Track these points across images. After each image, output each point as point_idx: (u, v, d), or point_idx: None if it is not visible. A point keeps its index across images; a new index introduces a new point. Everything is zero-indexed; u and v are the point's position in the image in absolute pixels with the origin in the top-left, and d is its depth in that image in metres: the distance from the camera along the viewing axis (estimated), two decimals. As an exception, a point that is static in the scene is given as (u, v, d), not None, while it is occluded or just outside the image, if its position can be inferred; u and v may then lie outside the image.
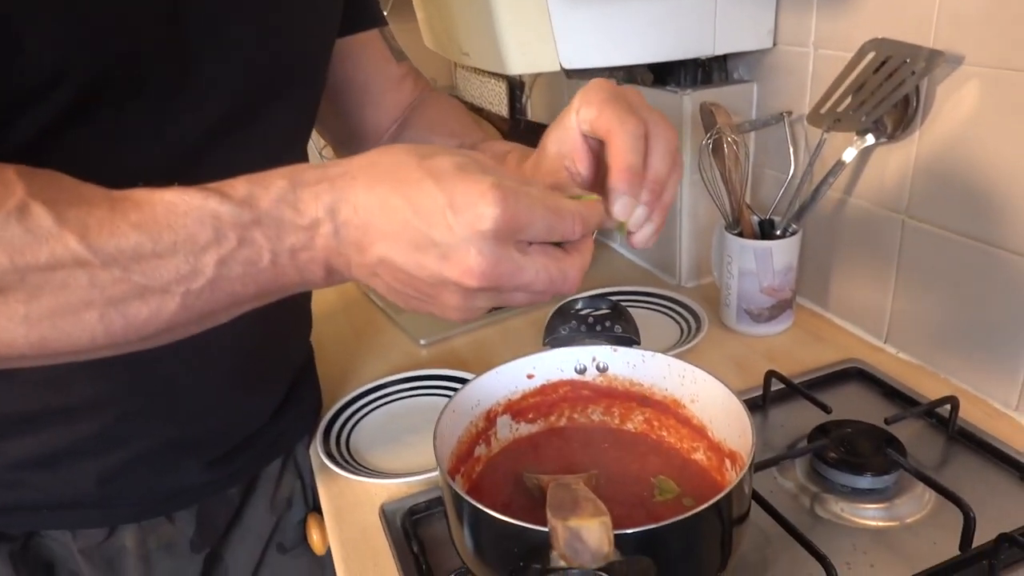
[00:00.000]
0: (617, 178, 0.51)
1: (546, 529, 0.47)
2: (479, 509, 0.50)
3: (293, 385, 0.84)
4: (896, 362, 0.93)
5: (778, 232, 0.97)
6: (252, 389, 0.76)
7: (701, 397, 0.66)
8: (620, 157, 0.51)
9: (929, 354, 0.90)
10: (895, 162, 0.88)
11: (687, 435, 0.68)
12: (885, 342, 0.96)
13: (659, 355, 0.68)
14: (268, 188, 0.44)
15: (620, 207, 0.52)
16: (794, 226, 0.97)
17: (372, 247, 0.44)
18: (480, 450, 0.69)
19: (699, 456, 0.67)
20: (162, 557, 0.75)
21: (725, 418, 0.63)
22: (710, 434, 0.66)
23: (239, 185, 0.45)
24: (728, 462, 0.63)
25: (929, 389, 0.86)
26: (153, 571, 0.74)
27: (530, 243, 0.46)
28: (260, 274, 0.45)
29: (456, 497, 0.53)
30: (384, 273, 0.46)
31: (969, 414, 0.79)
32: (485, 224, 0.42)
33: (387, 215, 0.44)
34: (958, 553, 0.63)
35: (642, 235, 0.54)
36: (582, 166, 0.56)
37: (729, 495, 0.51)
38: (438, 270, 0.43)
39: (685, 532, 0.50)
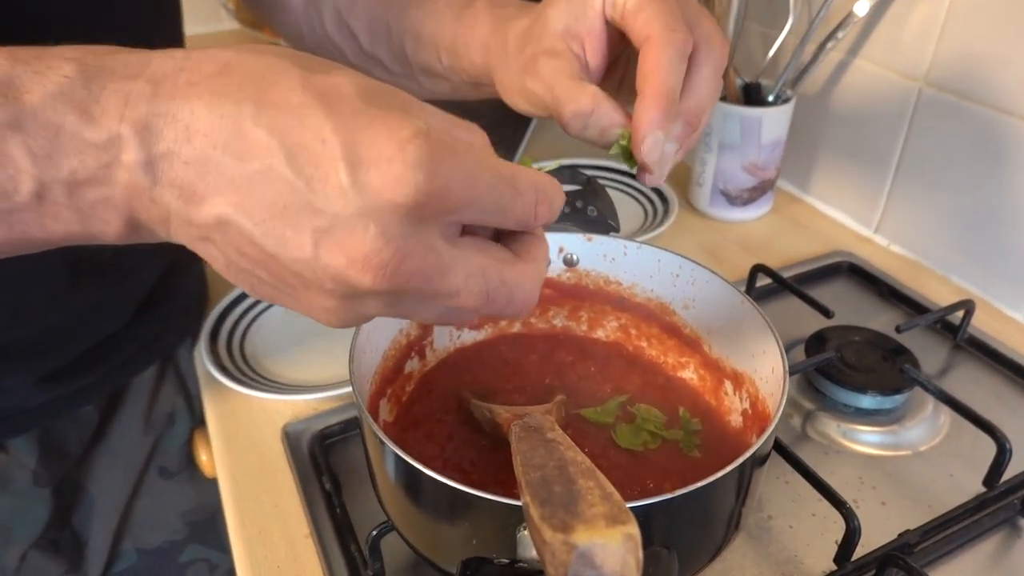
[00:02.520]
0: (651, 105, 0.39)
1: (513, 502, 0.33)
2: (418, 470, 0.35)
3: (167, 272, 0.65)
4: (888, 256, 0.81)
5: (770, 99, 0.82)
6: (101, 277, 0.56)
7: (698, 302, 0.52)
8: (657, 79, 0.39)
9: (927, 248, 0.79)
10: (920, 16, 0.73)
11: (674, 348, 0.54)
12: (875, 232, 0.84)
13: (647, 247, 0.53)
14: (43, 72, 0.28)
15: (650, 145, 0.39)
16: (788, 92, 0.82)
17: (209, 199, 0.28)
18: (412, 365, 0.53)
19: (688, 374, 0.54)
20: (-6, 494, 0.58)
21: (730, 331, 0.49)
22: (706, 348, 0.52)
23: None
24: (730, 385, 0.50)
25: (928, 288, 0.75)
26: (-17, 511, 0.58)
27: (462, 231, 0.31)
28: (15, 213, 0.29)
29: (381, 445, 0.38)
30: (223, 241, 0.29)
31: (976, 319, 0.69)
32: (400, 192, 0.27)
33: (241, 151, 0.28)
34: (983, 489, 0.53)
35: (659, 174, 0.41)
36: (593, 56, 0.44)
37: (754, 454, 0.37)
38: (312, 254, 0.28)
39: (697, 502, 0.36)
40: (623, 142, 0.41)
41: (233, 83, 0.28)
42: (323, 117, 0.27)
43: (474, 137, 0.31)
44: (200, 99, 0.28)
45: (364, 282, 0.28)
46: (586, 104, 0.41)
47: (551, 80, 0.42)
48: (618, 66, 0.47)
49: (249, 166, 0.27)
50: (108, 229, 0.31)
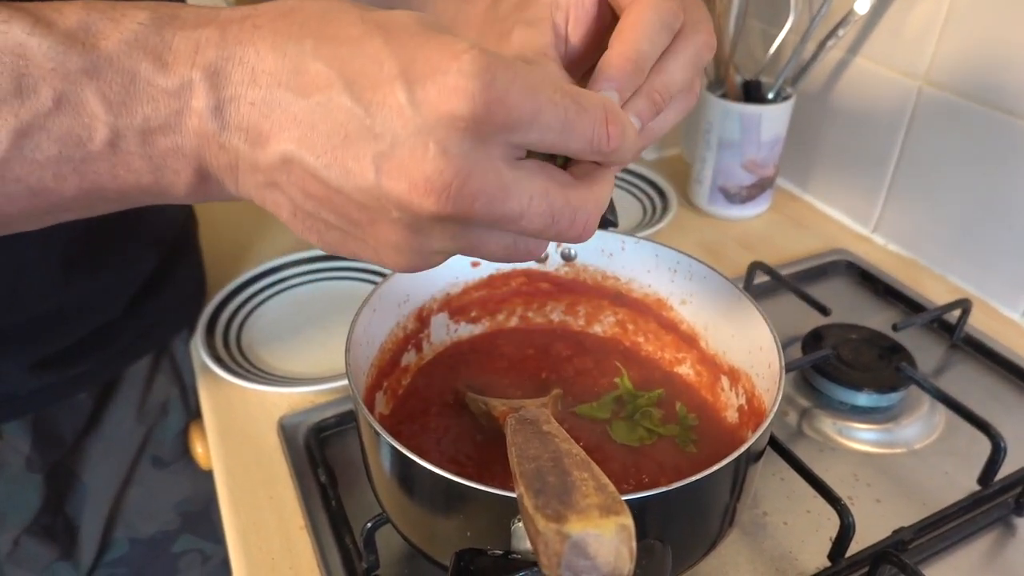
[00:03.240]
0: (613, 63, 0.34)
1: (508, 494, 0.33)
2: (413, 462, 0.35)
3: (164, 262, 0.65)
4: (885, 255, 0.81)
5: (770, 96, 0.81)
6: (95, 266, 0.56)
7: (695, 298, 0.52)
8: (630, 39, 0.34)
9: (924, 247, 0.79)
10: (921, 15, 0.73)
11: (671, 343, 0.54)
12: (873, 231, 0.84)
13: (645, 242, 0.53)
14: (118, 20, 0.29)
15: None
16: (788, 89, 0.82)
17: (274, 137, 0.28)
18: (408, 358, 0.53)
19: (684, 370, 0.54)
20: (-14, 479, 0.58)
21: (727, 327, 0.49)
22: (702, 344, 0.52)
23: (70, 9, 0.29)
24: (726, 381, 0.50)
25: (925, 287, 0.76)
26: (-26, 497, 0.58)
27: (526, 155, 0.29)
28: (88, 162, 0.29)
29: (377, 437, 0.38)
30: (288, 183, 0.29)
31: (972, 318, 0.69)
32: (456, 104, 0.26)
33: (302, 86, 0.28)
34: (978, 488, 0.53)
35: (624, 149, 0.37)
36: (575, 28, 0.39)
37: (749, 449, 0.37)
38: (375, 181, 0.27)
39: (692, 496, 0.36)
40: None
41: (295, 23, 0.29)
42: (381, 43, 0.27)
43: (535, 66, 0.29)
44: (264, 40, 0.28)
45: (427, 206, 0.27)
46: None
47: (519, 50, 0.39)
48: (598, 50, 0.44)
49: (310, 100, 0.27)
50: (178, 180, 0.31)
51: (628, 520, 0.24)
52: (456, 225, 0.28)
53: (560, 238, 0.30)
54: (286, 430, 0.58)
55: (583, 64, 0.41)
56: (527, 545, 0.31)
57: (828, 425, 0.59)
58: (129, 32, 0.29)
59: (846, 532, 0.46)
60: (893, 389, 0.59)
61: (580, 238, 0.31)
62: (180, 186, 0.31)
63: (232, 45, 0.29)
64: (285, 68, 0.28)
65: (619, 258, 0.54)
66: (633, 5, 0.36)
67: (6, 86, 0.28)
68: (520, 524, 0.33)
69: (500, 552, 0.31)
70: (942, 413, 0.60)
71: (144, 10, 0.29)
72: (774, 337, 0.44)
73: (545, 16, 0.40)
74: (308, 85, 0.28)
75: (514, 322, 0.58)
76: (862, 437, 0.59)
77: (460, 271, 0.54)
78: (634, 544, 0.24)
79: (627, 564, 0.23)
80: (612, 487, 0.26)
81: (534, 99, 0.27)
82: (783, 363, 0.42)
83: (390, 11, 0.29)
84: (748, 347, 0.47)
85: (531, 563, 0.29)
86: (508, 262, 0.32)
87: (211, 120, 0.29)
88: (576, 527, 0.23)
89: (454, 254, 0.31)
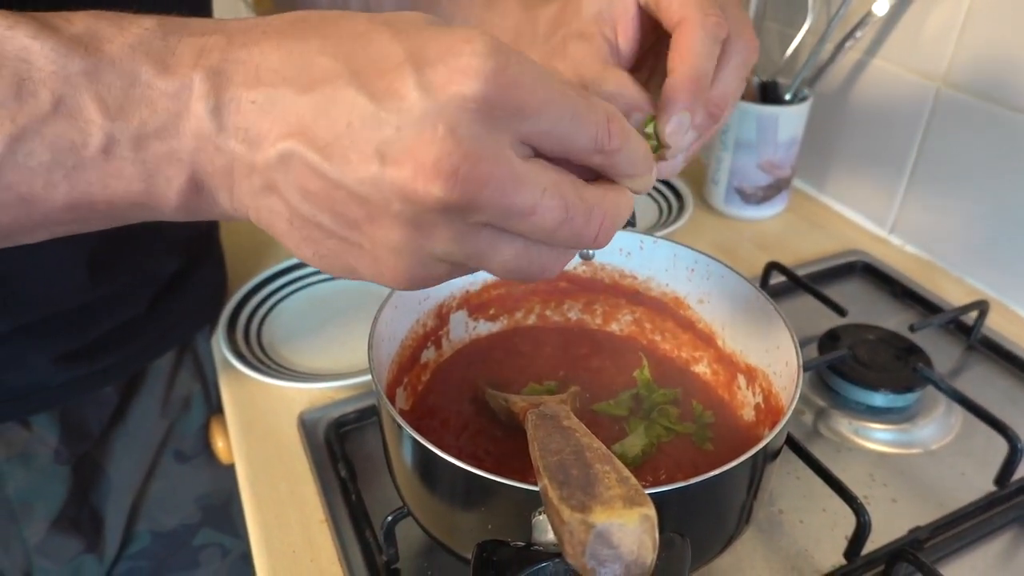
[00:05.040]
0: (680, 87, 0.36)
1: (529, 487, 0.34)
2: (436, 455, 0.36)
3: (187, 263, 0.66)
4: (902, 256, 0.81)
5: (787, 97, 0.82)
6: (120, 267, 0.58)
7: (713, 297, 0.52)
8: (689, 61, 0.37)
9: (942, 248, 0.79)
10: (939, 16, 0.73)
11: (688, 342, 0.55)
12: (890, 232, 0.84)
13: (664, 241, 0.53)
14: (125, 26, 0.29)
15: (675, 126, 0.37)
16: (805, 91, 0.82)
17: (273, 134, 0.27)
18: (428, 355, 0.54)
19: (701, 369, 0.54)
20: (15, 469, 0.59)
21: (745, 325, 0.50)
22: (720, 343, 0.52)
23: (79, 17, 0.29)
24: (743, 379, 0.50)
25: (942, 288, 0.75)
26: (3, 488, 0.59)
27: (535, 153, 0.28)
28: (79, 170, 0.28)
29: (399, 431, 0.39)
30: (286, 183, 0.28)
31: (989, 320, 0.69)
32: (468, 83, 0.25)
33: (305, 82, 0.27)
34: (994, 488, 0.53)
35: (676, 163, 0.39)
36: (625, 40, 0.42)
37: (767, 447, 0.38)
38: (378, 169, 0.26)
39: (709, 492, 0.37)
40: (647, 128, 0.40)
41: (303, 28, 0.29)
42: (389, 37, 0.27)
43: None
44: (270, 41, 0.28)
45: (433, 192, 0.25)
46: (613, 86, 0.38)
47: (580, 63, 0.41)
48: (649, 56, 0.45)
49: (314, 94, 0.26)
50: (170, 190, 0.29)
51: (651, 511, 0.24)
52: (463, 222, 0.27)
53: (576, 239, 0.29)
54: (306, 425, 0.59)
55: (637, 68, 0.43)
56: (548, 537, 0.31)
57: (844, 425, 0.59)
58: (134, 37, 0.28)
59: (862, 530, 0.46)
60: (910, 390, 0.60)
61: (597, 240, 0.29)
62: (171, 196, 0.30)
63: (237, 48, 0.28)
64: (290, 65, 0.27)
65: (637, 257, 0.55)
66: (685, 28, 0.38)
67: (6, 90, 0.27)
68: (541, 516, 0.33)
69: (522, 544, 0.31)
70: (959, 414, 0.60)
71: (151, 18, 0.29)
72: (792, 335, 0.44)
73: (595, 30, 0.42)
74: (313, 80, 0.27)
75: (532, 320, 0.58)
76: (878, 437, 0.59)
77: (479, 269, 0.55)
78: (657, 535, 0.24)
79: (650, 554, 0.24)
80: (634, 479, 0.27)
81: (546, 87, 0.27)
82: (801, 362, 0.43)
83: (398, 12, 0.29)
84: (765, 346, 0.47)
85: (553, 555, 0.30)
86: (519, 277, 0.30)
87: (209, 121, 0.28)
88: (601, 517, 0.24)
89: (459, 263, 0.29)
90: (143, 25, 0.29)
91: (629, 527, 0.24)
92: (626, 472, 0.28)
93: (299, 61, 0.27)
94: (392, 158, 0.26)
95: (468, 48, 0.26)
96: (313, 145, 0.27)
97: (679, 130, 0.37)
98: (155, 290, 0.62)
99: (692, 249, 0.52)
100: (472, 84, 0.25)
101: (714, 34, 0.37)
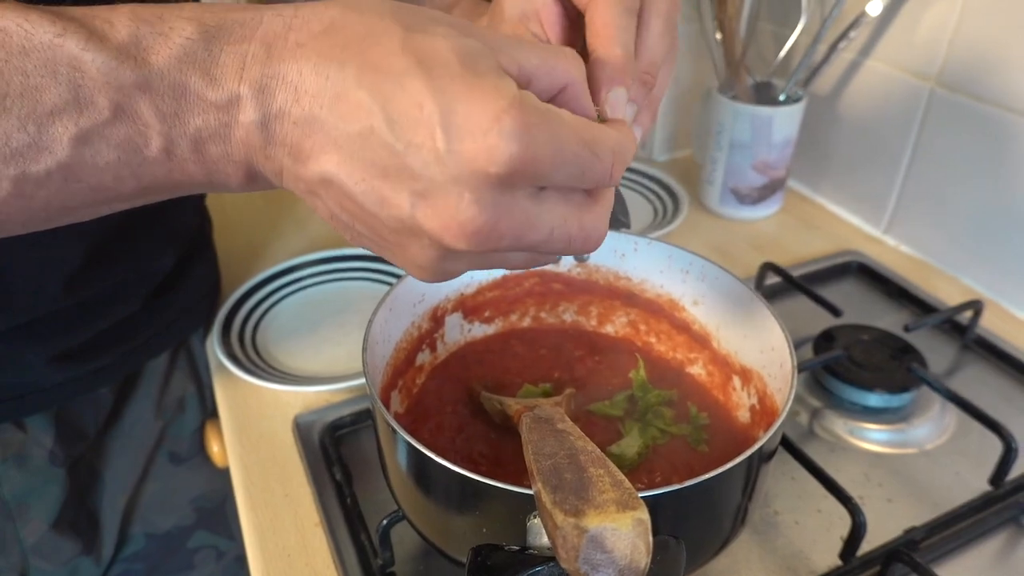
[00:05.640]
0: (606, 61, 0.36)
1: (524, 491, 0.34)
2: (430, 459, 0.36)
3: (181, 261, 0.65)
4: (897, 256, 0.81)
5: (781, 98, 0.82)
6: (114, 263, 0.57)
7: (708, 299, 0.52)
8: (607, 37, 0.37)
9: (936, 248, 0.79)
10: (933, 17, 0.73)
11: (683, 344, 0.55)
12: (885, 232, 0.84)
13: (658, 243, 0.53)
14: (166, 34, 0.30)
15: (614, 101, 0.36)
16: (800, 91, 0.82)
17: (315, 157, 0.30)
18: (423, 357, 0.54)
19: (696, 370, 0.54)
20: (11, 470, 0.59)
21: (739, 327, 0.50)
22: (714, 344, 0.52)
23: (119, 20, 0.30)
24: (738, 381, 0.50)
25: (937, 288, 0.76)
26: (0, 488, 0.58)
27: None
28: (145, 166, 0.31)
29: (393, 434, 0.39)
30: (327, 196, 0.31)
31: (984, 319, 0.69)
32: (494, 164, 0.28)
33: (344, 113, 0.29)
34: (989, 488, 0.53)
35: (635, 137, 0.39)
36: (552, 31, 0.42)
37: (761, 448, 0.38)
38: (409, 214, 0.29)
39: (704, 494, 0.37)
40: None
41: (337, 44, 0.29)
42: (422, 84, 0.28)
43: (562, 111, 0.31)
44: (307, 60, 0.29)
45: (459, 246, 0.29)
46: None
47: None
48: (578, 39, 0.44)
49: (352, 127, 0.29)
50: (231, 181, 0.33)
51: (644, 515, 0.24)
52: (484, 254, 0.31)
53: (574, 254, 0.34)
54: (301, 428, 0.59)
55: None
56: (543, 541, 0.31)
57: (839, 425, 0.60)
58: (178, 47, 0.30)
59: (858, 531, 0.47)
60: (904, 390, 0.60)
61: (591, 251, 0.34)
62: (233, 185, 0.33)
63: (276, 63, 0.30)
64: (327, 92, 0.29)
65: (631, 259, 0.55)
66: (594, 4, 0.37)
67: (65, 96, 0.29)
68: (536, 520, 0.33)
69: (516, 547, 0.31)
70: (953, 414, 0.60)
71: (190, 22, 0.30)
72: (786, 337, 0.44)
73: (523, 29, 0.42)
74: (350, 113, 0.29)
75: (527, 322, 0.58)
76: (873, 437, 0.59)
77: (475, 272, 0.55)
78: (650, 538, 0.24)
79: (643, 557, 0.24)
80: (628, 483, 0.27)
81: (561, 156, 0.29)
82: (795, 362, 0.43)
83: (429, 31, 0.30)
84: (760, 347, 0.47)
85: (547, 558, 0.30)
86: (525, 269, 0.35)
87: (258, 134, 0.30)
88: (594, 521, 0.24)
89: (475, 269, 0.34)
90: (184, 33, 0.30)
91: (622, 531, 0.24)
92: (620, 476, 0.28)
93: (336, 89, 0.29)
94: (422, 209, 0.29)
95: (496, 128, 0.27)
96: (351, 178, 0.29)
97: (618, 105, 0.36)
98: (150, 288, 0.62)
99: (686, 251, 0.52)
100: (497, 163, 0.28)
101: (627, 5, 0.37)
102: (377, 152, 0.29)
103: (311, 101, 0.29)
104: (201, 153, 0.31)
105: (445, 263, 0.32)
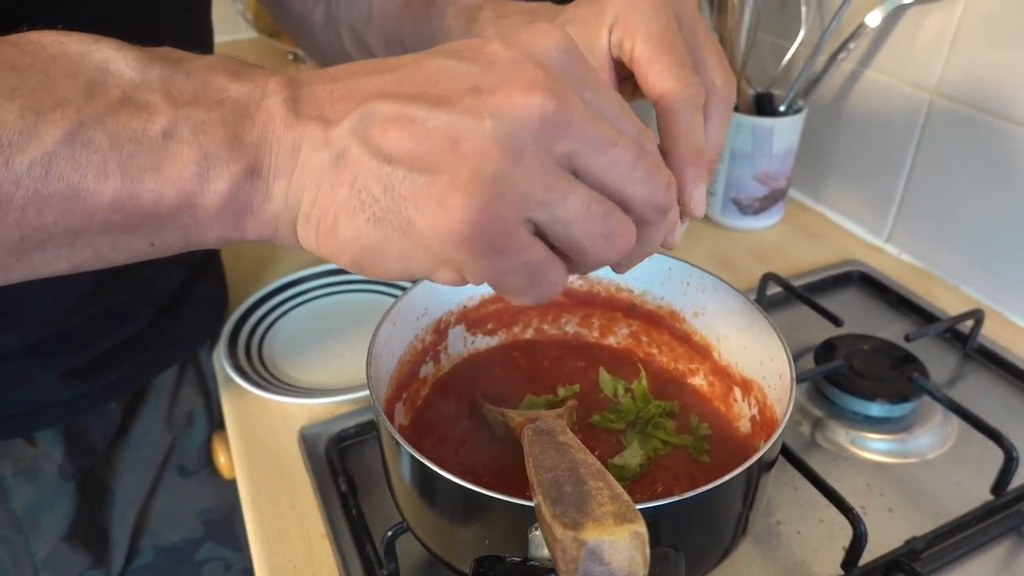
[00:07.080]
0: (689, 163, 0.37)
1: (526, 503, 0.34)
2: (433, 472, 0.37)
3: (190, 279, 0.66)
4: (899, 265, 0.82)
5: (782, 109, 0.82)
6: (124, 282, 0.58)
7: (708, 310, 0.53)
8: (688, 139, 0.38)
9: (937, 258, 0.79)
10: (931, 28, 0.74)
11: (684, 354, 0.55)
12: (886, 242, 0.85)
13: (658, 255, 0.54)
14: (202, 55, 0.32)
15: (699, 199, 0.37)
16: (800, 102, 0.82)
17: (350, 107, 0.29)
18: (427, 369, 0.54)
19: (698, 381, 0.54)
20: (22, 484, 0.60)
21: (739, 338, 0.50)
22: (715, 356, 0.53)
23: (159, 49, 0.31)
24: (739, 391, 0.51)
25: (938, 297, 0.76)
26: (10, 503, 0.59)
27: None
28: (135, 157, 0.29)
29: (398, 447, 0.39)
30: (364, 137, 0.28)
31: (985, 329, 0.69)
32: (553, 41, 0.29)
33: (387, 65, 0.30)
34: (991, 498, 0.54)
35: (681, 231, 0.38)
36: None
37: (761, 459, 0.38)
38: (471, 100, 0.28)
39: (705, 504, 0.37)
40: None
41: (376, 63, 0.31)
42: (467, 41, 0.30)
43: None
44: (343, 67, 0.31)
45: (532, 102, 0.27)
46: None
47: None
48: (623, 92, 0.46)
49: (397, 71, 0.29)
50: (222, 178, 0.29)
51: (642, 528, 0.25)
52: (549, 152, 0.28)
53: (649, 183, 0.30)
54: (307, 440, 0.60)
55: None
56: (544, 552, 0.32)
57: (841, 435, 0.60)
58: (213, 58, 0.31)
59: (859, 541, 0.47)
60: (905, 399, 0.60)
61: (667, 194, 0.31)
62: (220, 187, 0.29)
63: (305, 80, 0.31)
64: (365, 65, 0.30)
65: (633, 271, 0.55)
66: (666, 105, 0.38)
67: (78, 89, 0.28)
68: (537, 532, 0.34)
69: (518, 559, 0.32)
70: (955, 423, 0.60)
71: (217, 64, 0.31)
72: (785, 348, 0.45)
73: None
74: (393, 63, 0.30)
75: (529, 334, 0.59)
76: (875, 447, 0.59)
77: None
78: (648, 551, 0.25)
79: (641, 570, 0.24)
80: (626, 496, 0.27)
81: (614, 104, 0.30)
82: (794, 374, 0.43)
83: None
84: (760, 358, 0.48)
85: (548, 569, 0.30)
86: (585, 240, 0.29)
87: (283, 110, 0.29)
88: (592, 534, 0.24)
89: (531, 213, 0.28)
90: (220, 54, 0.32)
91: (620, 544, 0.24)
92: (619, 489, 0.28)
93: (376, 61, 0.31)
94: (487, 89, 0.28)
95: (550, 34, 0.30)
96: (399, 99, 0.28)
97: (700, 200, 0.37)
98: (158, 304, 0.63)
99: (686, 262, 0.53)
100: (555, 40, 0.29)
101: (695, 104, 0.38)
102: (429, 70, 0.29)
103: (345, 74, 0.30)
104: (204, 135, 0.29)
105: (507, 163, 0.27)
